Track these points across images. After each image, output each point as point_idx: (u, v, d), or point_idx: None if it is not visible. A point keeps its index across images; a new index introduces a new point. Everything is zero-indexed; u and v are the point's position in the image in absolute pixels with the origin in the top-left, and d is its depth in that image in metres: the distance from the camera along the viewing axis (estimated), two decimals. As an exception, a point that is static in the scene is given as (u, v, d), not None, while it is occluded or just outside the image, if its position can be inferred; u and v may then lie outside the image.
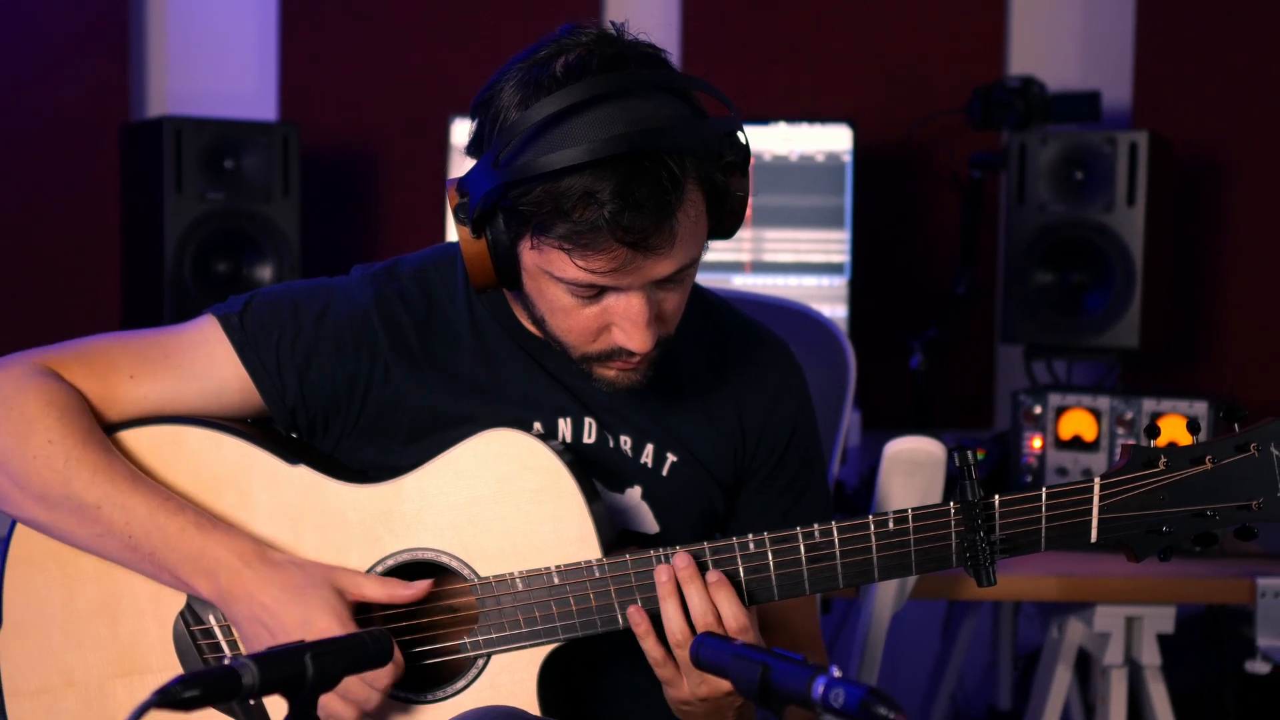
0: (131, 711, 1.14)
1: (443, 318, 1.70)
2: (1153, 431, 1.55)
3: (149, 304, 3.04)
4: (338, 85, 3.50)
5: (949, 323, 3.20)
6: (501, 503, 1.61)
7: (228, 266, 3.04)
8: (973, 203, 3.19)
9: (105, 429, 1.65)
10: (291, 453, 1.66)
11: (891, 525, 1.56)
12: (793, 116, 3.23)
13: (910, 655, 3.44)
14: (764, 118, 3.21)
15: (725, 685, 1.51)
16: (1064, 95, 3.21)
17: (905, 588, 2.33)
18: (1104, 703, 2.65)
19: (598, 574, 1.58)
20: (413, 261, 1.74)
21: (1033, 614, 3.18)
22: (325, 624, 1.55)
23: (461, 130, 3.14)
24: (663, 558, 1.57)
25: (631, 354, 1.57)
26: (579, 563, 1.59)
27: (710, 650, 1.42)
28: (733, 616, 1.53)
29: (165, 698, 1.17)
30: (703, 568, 1.56)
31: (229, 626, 1.64)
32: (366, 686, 1.55)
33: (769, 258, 3.23)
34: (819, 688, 1.21)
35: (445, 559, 1.62)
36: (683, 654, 1.53)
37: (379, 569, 1.63)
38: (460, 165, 2.95)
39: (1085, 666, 3.00)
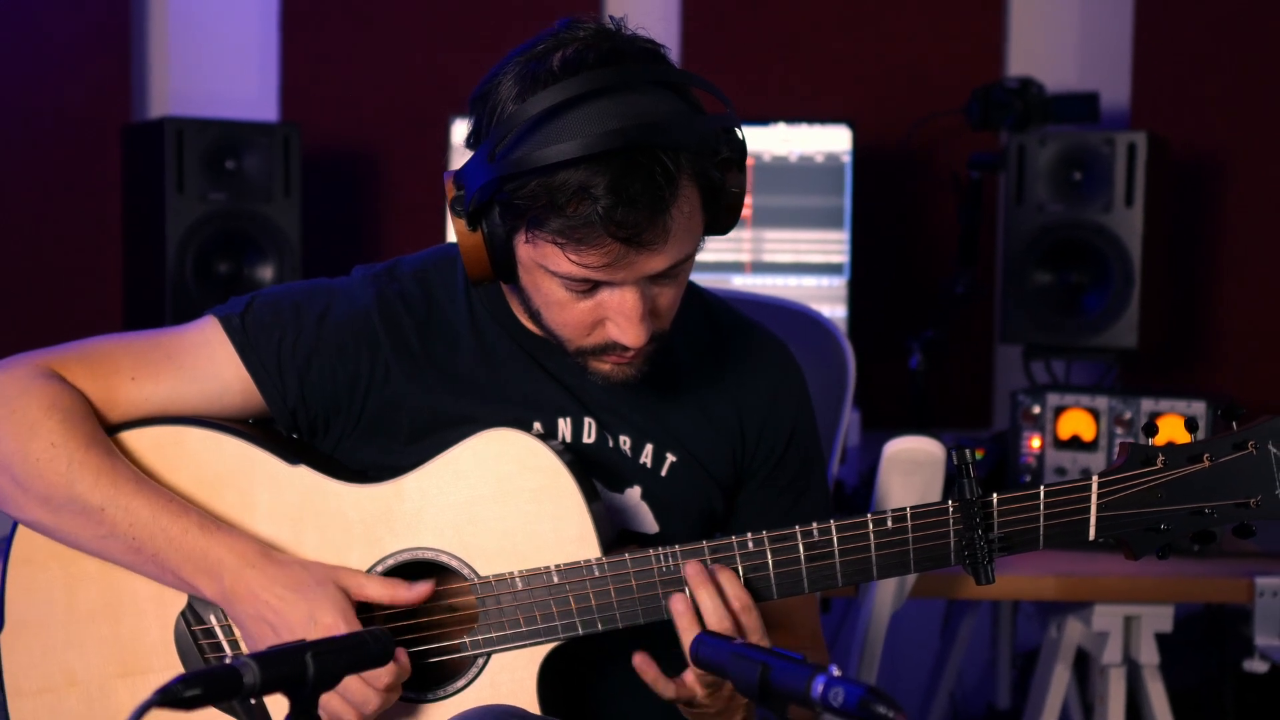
0: (133, 710, 1.15)
1: (443, 318, 1.70)
2: (1151, 431, 1.55)
3: (150, 304, 3.04)
4: (338, 86, 3.51)
5: (948, 323, 3.20)
6: (501, 502, 1.61)
7: (229, 267, 3.04)
8: (972, 203, 3.19)
9: (107, 430, 1.65)
10: (292, 453, 1.67)
11: (890, 524, 1.56)
12: (792, 117, 3.24)
13: (909, 654, 3.44)
14: (763, 118, 3.21)
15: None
16: (1062, 96, 3.21)
17: (904, 587, 2.33)
18: (1102, 702, 2.65)
19: (597, 573, 1.59)
20: (413, 262, 1.74)
21: (1031, 613, 3.18)
22: (330, 620, 1.55)
23: (462, 131, 3.13)
24: (662, 557, 1.58)
25: (626, 348, 1.57)
26: (578, 562, 1.59)
27: (710, 649, 1.43)
28: (735, 596, 1.55)
29: (167, 697, 1.17)
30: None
31: (230, 626, 1.65)
32: (366, 686, 1.55)
33: (768, 258, 3.23)
34: (818, 687, 1.21)
35: (445, 558, 1.62)
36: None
37: (379, 569, 1.63)
38: (460, 164, 2.95)
39: (1084, 665, 3.00)
